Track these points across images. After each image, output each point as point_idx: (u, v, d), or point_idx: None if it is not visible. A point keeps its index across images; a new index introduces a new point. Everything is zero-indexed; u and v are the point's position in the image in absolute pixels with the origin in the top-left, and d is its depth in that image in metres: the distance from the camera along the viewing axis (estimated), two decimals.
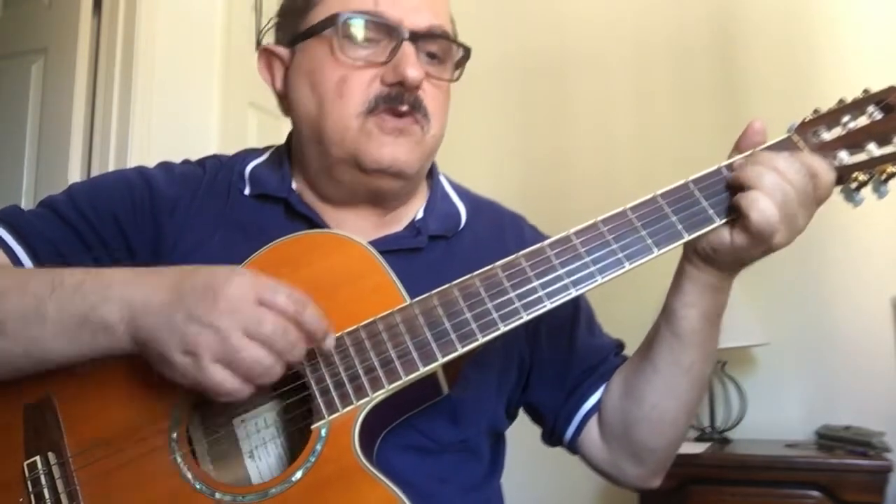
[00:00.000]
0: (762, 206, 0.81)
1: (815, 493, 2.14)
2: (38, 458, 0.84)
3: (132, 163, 2.33)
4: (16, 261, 0.93)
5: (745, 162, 0.86)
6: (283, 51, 1.02)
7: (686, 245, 0.90)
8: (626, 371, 1.03)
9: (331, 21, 0.95)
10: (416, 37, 0.95)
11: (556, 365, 1.06)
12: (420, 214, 1.04)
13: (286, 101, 1.03)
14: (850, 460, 2.16)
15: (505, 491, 1.07)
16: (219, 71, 2.61)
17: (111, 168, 2.39)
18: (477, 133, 3.00)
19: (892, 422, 2.33)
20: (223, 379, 0.75)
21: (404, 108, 0.94)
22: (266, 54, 1.05)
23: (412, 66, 0.93)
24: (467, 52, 1.02)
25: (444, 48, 0.99)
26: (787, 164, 0.83)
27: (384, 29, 0.95)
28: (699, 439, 2.50)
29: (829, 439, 2.32)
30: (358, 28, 0.95)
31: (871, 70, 2.45)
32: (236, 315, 0.75)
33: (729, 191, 0.85)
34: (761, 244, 0.84)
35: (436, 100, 0.98)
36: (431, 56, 0.98)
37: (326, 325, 0.80)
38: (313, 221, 0.99)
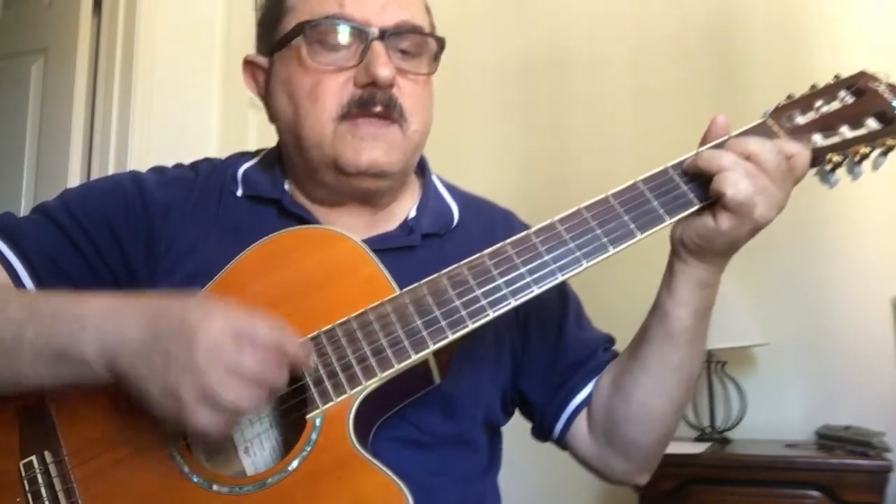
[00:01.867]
0: (733, 181, 0.83)
1: (815, 493, 2.13)
2: (34, 457, 0.84)
3: (132, 163, 2.34)
4: (9, 268, 0.93)
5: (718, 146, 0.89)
6: (262, 60, 1.04)
7: (675, 243, 0.92)
8: (616, 368, 1.04)
9: (299, 29, 0.97)
10: (385, 35, 0.95)
11: (545, 360, 1.07)
12: (413, 213, 1.05)
13: (270, 109, 1.04)
14: (850, 460, 2.15)
15: (504, 490, 1.07)
16: (219, 71, 2.60)
17: (111, 169, 2.39)
18: (477, 132, 3.00)
19: (892, 422, 2.33)
20: (208, 420, 0.74)
21: (378, 108, 0.95)
22: (248, 65, 1.06)
23: (382, 65, 0.93)
24: (441, 42, 1.02)
25: (417, 42, 0.99)
26: (755, 143, 0.86)
27: (352, 31, 0.95)
28: (699, 439, 2.50)
29: (829, 439, 2.32)
30: (325, 33, 0.96)
31: (871, 69, 2.45)
32: (216, 355, 0.74)
33: (705, 176, 0.88)
34: (745, 221, 0.85)
35: (413, 95, 0.98)
36: (405, 52, 0.98)
37: (307, 350, 0.81)
38: (306, 221, 1.00)
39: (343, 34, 0.95)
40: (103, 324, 0.79)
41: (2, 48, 2.74)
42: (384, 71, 0.93)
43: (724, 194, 0.84)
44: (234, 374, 0.74)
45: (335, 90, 0.95)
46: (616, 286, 2.18)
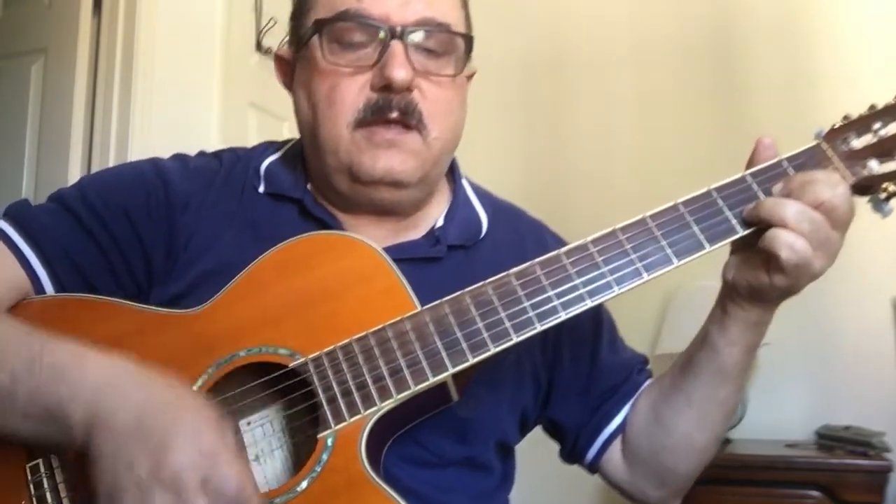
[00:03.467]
0: (789, 243, 0.78)
1: (815, 493, 2.13)
2: (40, 460, 0.83)
3: None
4: (23, 261, 0.91)
5: (781, 184, 0.83)
6: (290, 55, 1.00)
7: (727, 286, 0.88)
8: (656, 397, 1.01)
9: (316, 27, 0.92)
10: (405, 33, 0.89)
11: (579, 383, 1.04)
12: (440, 222, 1.01)
13: (294, 106, 1.00)
14: (850, 460, 2.15)
15: None
16: (219, 71, 2.60)
17: None
18: (477, 131, 2.96)
19: (892, 422, 2.33)
20: None
21: (394, 114, 0.90)
22: (278, 60, 1.03)
23: (398, 66, 0.88)
24: (469, 41, 0.96)
25: (443, 41, 0.93)
26: (830, 190, 0.79)
27: (369, 28, 0.90)
28: None
29: (829, 439, 2.32)
30: (341, 31, 0.91)
31: (872, 70, 2.45)
32: (172, 489, 0.69)
33: (753, 201, 0.83)
34: (802, 277, 0.81)
35: (436, 99, 0.93)
36: (430, 51, 0.92)
37: None
38: (327, 224, 0.97)
39: (358, 32, 0.90)
40: (97, 397, 0.75)
41: (2, 48, 2.73)
42: (399, 73, 0.88)
43: (779, 257, 0.79)
44: None
45: (352, 95, 0.91)
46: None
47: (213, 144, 2.49)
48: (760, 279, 0.83)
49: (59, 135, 2.49)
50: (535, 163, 3.05)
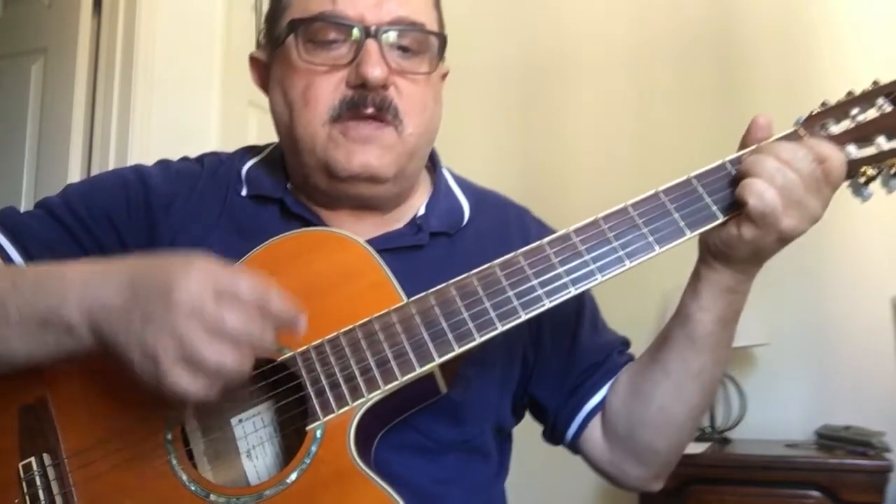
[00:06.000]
0: (758, 191, 0.80)
1: (815, 493, 2.14)
2: (32, 459, 0.83)
3: (132, 163, 2.33)
4: (9, 262, 0.92)
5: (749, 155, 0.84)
6: (265, 57, 1.02)
7: (700, 246, 0.89)
8: (634, 370, 1.02)
9: (291, 27, 0.94)
10: (379, 32, 0.91)
11: (559, 362, 1.04)
12: (422, 211, 1.02)
13: (270, 107, 1.01)
14: (850, 460, 2.16)
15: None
16: (219, 71, 2.60)
17: (111, 168, 2.39)
18: (476, 132, 2.99)
19: (892, 422, 2.33)
20: (188, 382, 0.70)
21: (369, 110, 0.91)
22: (253, 61, 1.05)
23: (373, 64, 0.89)
24: (443, 39, 0.98)
25: (417, 40, 0.95)
26: (790, 150, 0.81)
27: (345, 28, 0.91)
28: (699, 439, 2.50)
29: (829, 439, 2.32)
30: (316, 31, 0.92)
31: (872, 69, 2.44)
32: (195, 314, 0.70)
33: (732, 186, 0.84)
34: (769, 232, 0.82)
35: (411, 96, 0.94)
36: (405, 49, 0.94)
37: (294, 307, 0.76)
38: (309, 222, 0.98)
39: (334, 31, 0.92)
40: (86, 289, 0.76)
41: (2, 48, 2.74)
42: (374, 71, 0.89)
43: (747, 203, 0.80)
44: (216, 334, 0.70)
45: (327, 92, 0.92)
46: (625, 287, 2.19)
47: (213, 144, 2.50)
48: (730, 232, 0.84)
49: (59, 135, 2.50)
50: (534, 164, 3.05)
